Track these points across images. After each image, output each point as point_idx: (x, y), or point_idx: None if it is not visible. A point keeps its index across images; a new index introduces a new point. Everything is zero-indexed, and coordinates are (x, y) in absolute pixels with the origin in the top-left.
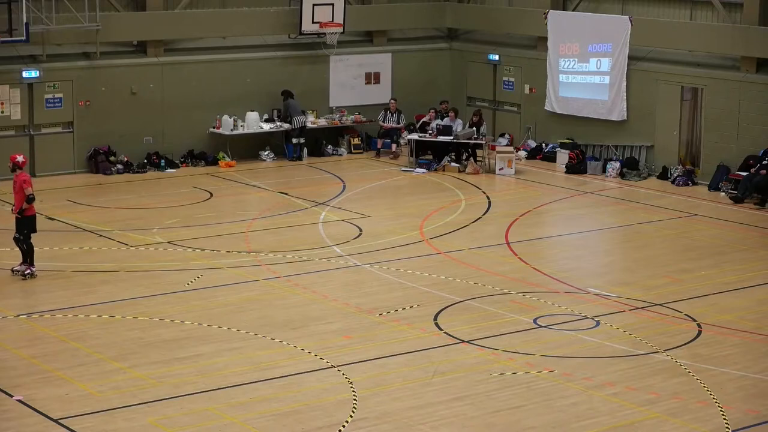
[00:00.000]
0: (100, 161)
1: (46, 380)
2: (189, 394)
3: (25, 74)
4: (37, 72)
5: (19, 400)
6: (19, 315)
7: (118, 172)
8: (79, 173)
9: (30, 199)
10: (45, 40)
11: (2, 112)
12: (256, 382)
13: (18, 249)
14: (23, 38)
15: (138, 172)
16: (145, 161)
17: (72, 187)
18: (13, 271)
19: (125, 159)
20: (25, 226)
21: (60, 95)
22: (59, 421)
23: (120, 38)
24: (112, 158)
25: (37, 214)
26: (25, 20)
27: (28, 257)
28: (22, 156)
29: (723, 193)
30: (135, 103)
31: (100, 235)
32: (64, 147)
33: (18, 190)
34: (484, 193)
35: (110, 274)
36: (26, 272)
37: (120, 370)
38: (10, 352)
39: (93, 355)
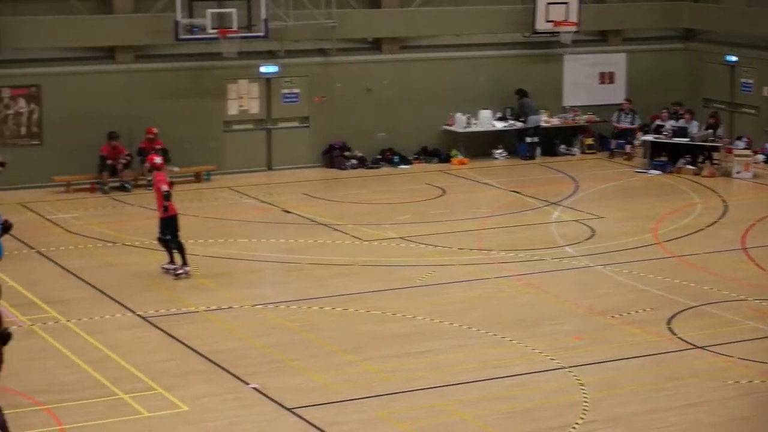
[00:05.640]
0: (334, 156)
1: (280, 370)
2: (419, 390)
3: (263, 69)
4: (276, 67)
5: (254, 388)
6: (254, 305)
7: (353, 167)
8: (315, 167)
9: (166, 196)
10: (283, 36)
11: (241, 106)
12: (486, 379)
13: (164, 249)
14: (262, 34)
15: (372, 168)
16: (379, 157)
17: (307, 181)
18: (162, 268)
19: (359, 154)
20: (168, 226)
21: (297, 90)
22: (293, 410)
23: (356, 35)
24: (346, 153)
25: (178, 214)
26: (264, 17)
27: (181, 256)
28: (159, 158)
29: None
30: (369, 100)
31: (335, 229)
32: (300, 141)
33: (156, 190)
34: (720, 196)
35: (344, 267)
36: (178, 272)
37: (352, 362)
38: (245, 341)
39: (326, 347)
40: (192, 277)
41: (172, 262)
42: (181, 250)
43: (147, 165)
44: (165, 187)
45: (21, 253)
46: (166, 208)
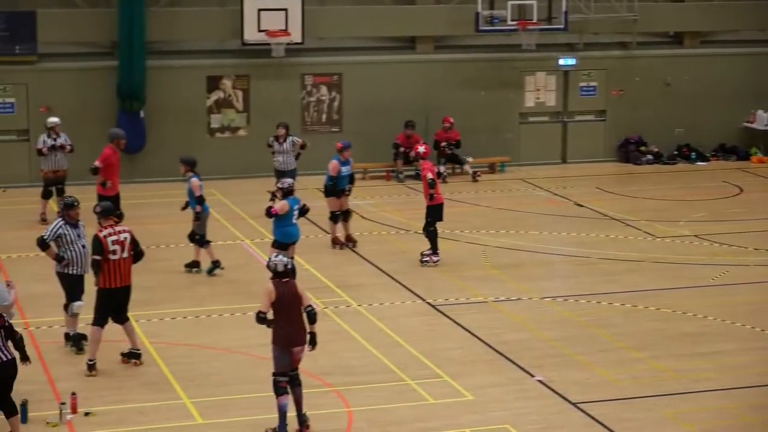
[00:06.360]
0: (630, 150)
1: (566, 363)
2: (708, 391)
3: (561, 62)
4: (574, 60)
5: (539, 381)
6: (543, 298)
7: (648, 162)
8: (609, 161)
9: (431, 184)
10: (583, 29)
11: (538, 98)
12: None
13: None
14: (562, 26)
15: (668, 164)
16: (676, 153)
17: (601, 175)
18: (425, 258)
19: (655, 149)
20: (430, 213)
21: (594, 84)
22: (577, 404)
23: (657, 29)
24: (642, 148)
25: (444, 203)
26: (564, 9)
27: (432, 244)
28: (423, 147)
29: None
30: (668, 94)
31: (627, 224)
32: (595, 135)
33: (422, 178)
34: None
35: (635, 263)
36: (425, 259)
37: (640, 360)
38: (532, 333)
39: (613, 343)
40: (482, 267)
41: (434, 252)
42: (433, 238)
43: (412, 154)
44: (430, 175)
45: (317, 238)
46: (431, 196)
